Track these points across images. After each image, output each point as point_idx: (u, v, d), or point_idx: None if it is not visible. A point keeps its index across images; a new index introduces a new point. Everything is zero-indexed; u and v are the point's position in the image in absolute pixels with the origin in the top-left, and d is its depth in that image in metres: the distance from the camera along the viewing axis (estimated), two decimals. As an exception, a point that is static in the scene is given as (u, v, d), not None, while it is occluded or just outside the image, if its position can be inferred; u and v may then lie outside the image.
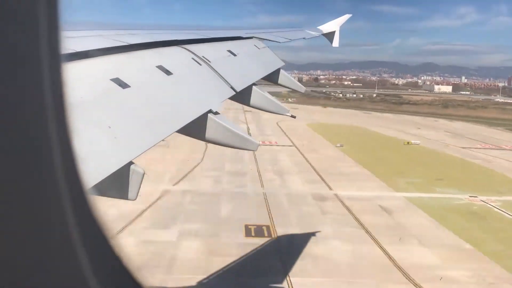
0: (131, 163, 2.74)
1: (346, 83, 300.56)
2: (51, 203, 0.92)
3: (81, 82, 2.84)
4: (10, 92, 0.83)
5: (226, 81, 5.48)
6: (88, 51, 3.26)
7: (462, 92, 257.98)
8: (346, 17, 16.96)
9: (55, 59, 0.90)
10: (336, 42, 16.22)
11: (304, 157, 53.76)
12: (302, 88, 10.20)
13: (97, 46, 3.57)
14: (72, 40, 3.30)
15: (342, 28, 16.81)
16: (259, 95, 7.04)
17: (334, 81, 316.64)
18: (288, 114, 7.99)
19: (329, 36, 16.20)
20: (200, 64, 5.35)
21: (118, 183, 2.68)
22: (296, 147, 60.36)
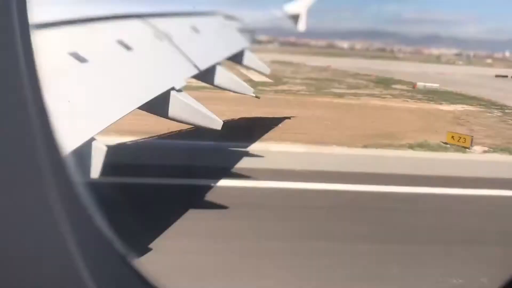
0: (92, 139, 2.68)
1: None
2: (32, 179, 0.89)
3: (37, 54, 2.70)
4: None
5: (189, 58, 5.38)
6: (45, 22, 3.11)
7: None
8: None
9: (25, 30, 0.87)
10: (302, 26, 15.42)
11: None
12: (267, 70, 10.14)
13: (56, 16, 3.40)
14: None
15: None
16: (223, 74, 6.96)
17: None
18: (252, 94, 7.97)
19: (294, 18, 15.73)
20: (162, 40, 5.22)
21: (79, 161, 2.61)
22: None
